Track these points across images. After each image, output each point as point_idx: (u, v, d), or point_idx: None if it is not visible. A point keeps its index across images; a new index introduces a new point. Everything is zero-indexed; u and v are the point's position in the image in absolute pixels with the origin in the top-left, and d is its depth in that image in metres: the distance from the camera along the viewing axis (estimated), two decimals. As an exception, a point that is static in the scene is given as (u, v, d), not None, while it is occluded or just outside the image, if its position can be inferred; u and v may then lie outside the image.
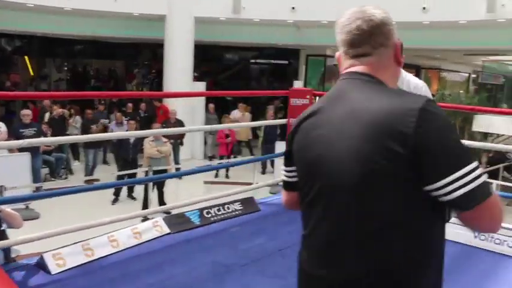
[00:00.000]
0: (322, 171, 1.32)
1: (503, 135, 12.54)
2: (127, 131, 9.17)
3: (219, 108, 13.86)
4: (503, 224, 4.24)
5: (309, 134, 1.37)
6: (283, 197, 1.60)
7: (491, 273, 3.54)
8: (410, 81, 2.41)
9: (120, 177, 8.50)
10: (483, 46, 13.28)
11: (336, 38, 1.44)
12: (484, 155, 11.95)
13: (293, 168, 1.47)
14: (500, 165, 11.51)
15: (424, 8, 11.10)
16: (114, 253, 3.42)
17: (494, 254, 3.84)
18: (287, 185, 1.54)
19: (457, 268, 3.56)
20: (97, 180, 9.37)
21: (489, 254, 3.84)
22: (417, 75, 23.08)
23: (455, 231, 4.14)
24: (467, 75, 24.40)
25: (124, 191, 9.04)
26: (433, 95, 14.12)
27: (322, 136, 1.33)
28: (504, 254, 3.83)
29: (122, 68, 20.99)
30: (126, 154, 8.83)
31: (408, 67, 22.47)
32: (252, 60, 18.96)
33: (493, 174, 10.64)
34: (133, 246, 3.57)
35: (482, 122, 10.12)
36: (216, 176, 11.06)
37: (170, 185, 8.69)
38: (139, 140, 8.84)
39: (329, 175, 1.30)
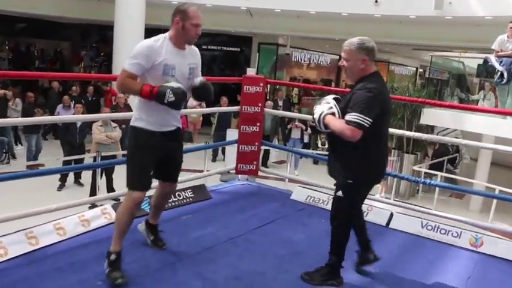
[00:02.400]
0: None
1: (448, 128, 13.03)
2: (73, 114, 8.85)
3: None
4: (447, 215, 4.41)
5: (388, 100, 2.98)
6: (357, 134, 2.71)
7: (437, 262, 3.66)
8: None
9: (66, 162, 8.21)
10: (431, 42, 13.72)
11: (374, 52, 2.87)
12: (430, 147, 12.40)
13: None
14: (445, 158, 12.00)
15: (376, 2, 11.30)
16: (60, 241, 3.30)
17: (440, 244, 3.99)
18: (363, 128, 2.71)
19: (405, 257, 3.68)
20: (42, 165, 9.02)
21: (435, 244, 3.99)
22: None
23: (403, 221, 4.28)
24: (414, 69, 25.18)
25: (70, 176, 8.75)
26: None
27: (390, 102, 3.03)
28: (449, 244, 3.99)
29: (68, 49, 20.23)
30: (73, 139, 8.53)
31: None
32: (204, 47, 18.71)
33: (438, 167, 11.07)
34: (80, 234, 3.46)
35: (430, 116, 10.45)
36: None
37: (119, 172, 8.48)
38: (87, 124, 8.55)
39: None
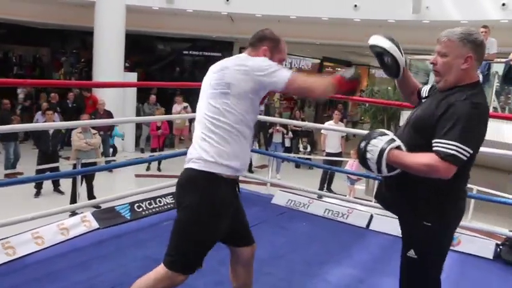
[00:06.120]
0: None
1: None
2: (45, 121, 8.74)
3: (159, 100, 13.50)
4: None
5: (487, 124, 1.94)
6: (451, 172, 1.85)
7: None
8: None
9: (39, 170, 8.11)
10: (410, 45, 13.89)
11: (483, 51, 2.00)
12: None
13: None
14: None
15: (355, 6, 11.43)
16: (38, 251, 3.26)
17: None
18: (461, 162, 1.85)
19: (385, 258, 3.73)
20: (20, 173, 8.89)
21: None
22: (348, 71, 23.82)
23: (383, 222, 4.33)
24: (394, 72, 25.45)
25: (48, 184, 8.65)
26: (362, 91, 14.52)
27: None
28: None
29: (47, 55, 20.01)
30: (45, 146, 8.44)
31: (339, 62, 23.11)
32: (185, 52, 18.71)
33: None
34: (59, 243, 3.43)
35: (409, 118, 10.56)
36: (148, 169, 10.84)
37: (100, 179, 8.41)
38: (60, 132, 8.48)
39: None
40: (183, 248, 2.16)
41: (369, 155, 1.95)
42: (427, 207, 1.99)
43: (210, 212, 2.12)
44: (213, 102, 2.13)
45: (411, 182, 1.99)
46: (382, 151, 1.92)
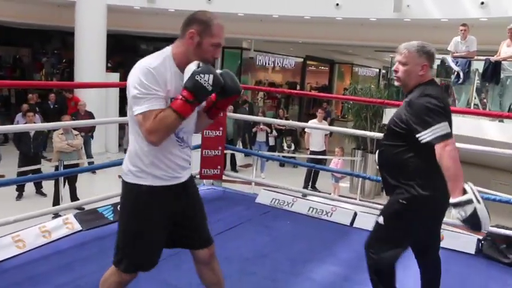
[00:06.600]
0: None
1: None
2: (25, 123, 8.61)
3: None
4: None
5: (449, 108, 2.36)
6: (454, 145, 2.21)
7: (400, 258, 3.74)
8: None
9: (21, 173, 8.00)
10: (391, 43, 14.02)
11: (434, 59, 2.47)
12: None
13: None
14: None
15: (337, 5, 11.47)
16: (19, 254, 3.21)
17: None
18: (450, 135, 2.23)
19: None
20: (2, 176, 8.75)
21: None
22: (331, 69, 23.89)
23: (366, 220, 4.36)
24: (377, 70, 25.67)
25: (30, 186, 8.54)
26: (345, 89, 14.58)
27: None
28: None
29: (28, 56, 19.73)
30: (27, 148, 8.33)
31: (322, 61, 23.21)
32: (168, 52, 18.60)
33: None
34: (41, 246, 3.38)
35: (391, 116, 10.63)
36: (131, 169, 10.73)
37: (83, 180, 8.33)
38: (41, 133, 8.36)
39: None
40: (121, 244, 2.22)
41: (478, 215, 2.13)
42: (405, 186, 2.34)
43: (132, 218, 2.17)
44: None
45: (396, 167, 2.40)
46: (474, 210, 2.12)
